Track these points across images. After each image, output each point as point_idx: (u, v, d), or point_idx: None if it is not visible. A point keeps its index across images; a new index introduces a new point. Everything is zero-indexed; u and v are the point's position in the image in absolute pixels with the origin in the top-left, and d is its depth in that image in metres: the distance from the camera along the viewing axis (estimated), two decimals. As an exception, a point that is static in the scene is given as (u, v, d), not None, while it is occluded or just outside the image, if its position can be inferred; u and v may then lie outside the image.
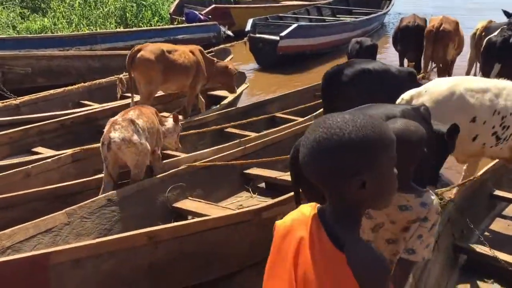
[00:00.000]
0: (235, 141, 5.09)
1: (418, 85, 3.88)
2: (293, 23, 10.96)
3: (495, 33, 6.52)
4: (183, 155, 4.66)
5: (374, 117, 1.16)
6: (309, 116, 5.96)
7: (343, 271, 1.10)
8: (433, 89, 3.53)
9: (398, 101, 3.59)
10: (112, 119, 3.91)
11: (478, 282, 3.28)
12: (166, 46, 5.90)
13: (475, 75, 7.40)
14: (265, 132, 5.49)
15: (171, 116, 4.55)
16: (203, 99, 6.49)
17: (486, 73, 6.28)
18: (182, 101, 6.29)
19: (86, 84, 6.89)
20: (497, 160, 4.43)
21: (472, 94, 3.48)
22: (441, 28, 7.56)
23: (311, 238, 1.17)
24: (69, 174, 4.42)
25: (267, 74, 10.20)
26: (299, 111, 6.28)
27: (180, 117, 5.27)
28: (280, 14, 12.70)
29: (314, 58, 10.78)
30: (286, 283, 1.18)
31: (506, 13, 7.16)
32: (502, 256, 3.25)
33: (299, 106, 6.36)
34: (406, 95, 3.59)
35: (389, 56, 10.61)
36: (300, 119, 5.88)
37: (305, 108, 6.32)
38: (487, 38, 6.61)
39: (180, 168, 4.27)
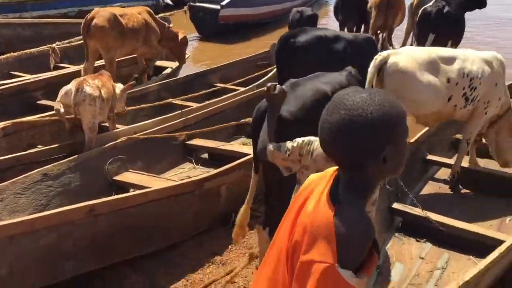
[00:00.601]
0: (177, 112, 5.01)
1: (376, 52, 4.00)
2: (234, -8, 10.80)
3: (430, 4, 6.73)
4: (122, 127, 4.54)
5: (386, 92, 1.19)
6: (252, 85, 5.95)
7: (327, 225, 1.12)
8: (409, 51, 3.70)
9: (375, 57, 3.70)
10: (79, 79, 4.11)
11: (412, 242, 3.45)
12: (117, 10, 5.83)
13: (411, 45, 7.62)
14: (207, 102, 5.43)
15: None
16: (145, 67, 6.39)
17: (421, 43, 6.49)
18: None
19: (16, 53, 6.51)
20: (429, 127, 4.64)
21: (444, 59, 3.72)
22: None
23: (321, 192, 1.22)
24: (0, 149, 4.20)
25: (209, 43, 10.05)
26: (241, 81, 6.25)
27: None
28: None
29: (256, 28, 10.72)
30: (289, 226, 1.24)
31: None
32: (434, 216, 3.44)
33: (243, 77, 6.33)
34: (384, 53, 3.73)
35: (329, 26, 10.69)
36: (242, 89, 5.85)
37: (248, 78, 6.30)
38: (422, 9, 6.81)
39: (119, 140, 4.16)
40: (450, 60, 3.74)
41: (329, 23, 11.12)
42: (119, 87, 4.56)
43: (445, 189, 4.20)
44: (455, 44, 6.46)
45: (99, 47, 5.58)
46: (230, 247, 3.51)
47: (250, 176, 3.95)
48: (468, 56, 3.81)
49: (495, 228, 3.55)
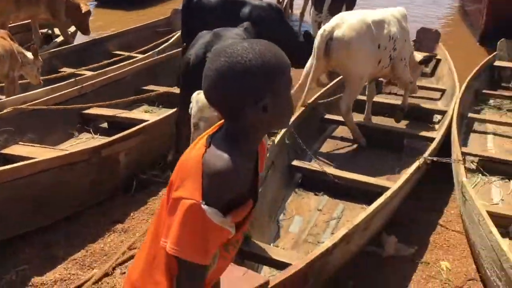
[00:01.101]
0: (71, 80, 4.74)
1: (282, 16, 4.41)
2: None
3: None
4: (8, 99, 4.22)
5: (270, 43, 1.18)
6: (151, 52, 5.77)
7: (196, 164, 1.14)
8: (349, 21, 3.90)
9: (320, 32, 3.92)
10: None
11: (311, 196, 3.61)
12: None
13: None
14: (103, 70, 5.19)
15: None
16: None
17: (317, 8, 6.64)
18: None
19: None
20: (328, 87, 4.83)
21: (376, 25, 3.95)
22: None
23: (202, 137, 1.24)
24: None
25: (105, 10, 9.58)
26: (143, 50, 6.04)
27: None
28: None
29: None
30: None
31: None
32: (330, 170, 3.61)
33: (143, 45, 6.12)
34: (328, 26, 3.92)
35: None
36: (141, 56, 5.67)
37: (150, 46, 6.09)
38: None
39: (5, 111, 3.86)
40: (380, 25, 3.99)
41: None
42: (29, 53, 4.38)
43: (342, 145, 4.41)
44: (349, 8, 6.71)
45: None
46: (132, 214, 3.44)
47: (150, 142, 3.91)
48: (390, 18, 4.09)
49: (385, 178, 3.81)
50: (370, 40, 3.91)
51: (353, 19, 3.92)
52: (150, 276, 1.23)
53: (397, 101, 4.95)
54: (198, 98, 2.47)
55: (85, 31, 6.41)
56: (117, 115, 4.44)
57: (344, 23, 3.91)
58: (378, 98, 5.14)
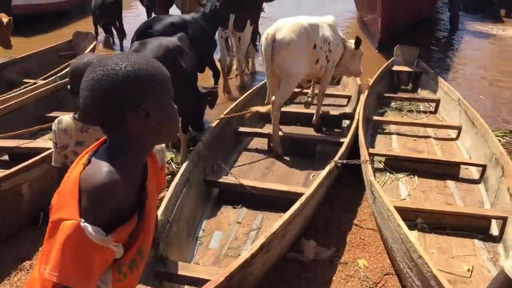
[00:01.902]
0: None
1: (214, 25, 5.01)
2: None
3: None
4: None
5: (148, 56, 1.20)
6: (53, 77, 5.51)
7: (74, 181, 1.09)
8: (288, 25, 4.26)
9: (263, 37, 4.29)
10: None
11: (229, 209, 3.58)
12: None
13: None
14: (1, 98, 4.86)
15: None
16: None
17: (223, 24, 6.70)
18: None
19: None
20: (238, 101, 4.87)
21: (311, 27, 4.33)
22: None
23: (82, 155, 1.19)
24: None
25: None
26: (41, 74, 5.75)
27: None
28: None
29: (55, 18, 9.97)
30: None
31: None
32: (247, 182, 3.62)
33: (44, 70, 5.83)
34: (270, 31, 4.26)
35: (140, 12, 10.51)
36: (42, 82, 5.39)
37: (49, 70, 5.82)
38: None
39: None
40: (315, 27, 4.38)
41: (136, 10, 10.90)
42: None
43: (258, 157, 4.45)
44: (254, 22, 6.86)
45: None
46: (40, 249, 3.21)
47: (56, 170, 3.69)
48: (323, 23, 4.49)
49: (301, 185, 3.89)
50: (307, 41, 4.29)
51: (291, 22, 4.29)
52: None
53: (308, 110, 5.12)
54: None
55: (9, 45, 6.02)
56: (18, 145, 4.16)
57: (283, 26, 4.26)
58: (288, 108, 5.28)
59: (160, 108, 1.16)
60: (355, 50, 4.81)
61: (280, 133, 4.53)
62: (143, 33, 4.58)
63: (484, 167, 3.94)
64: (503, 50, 9.83)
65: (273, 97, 4.35)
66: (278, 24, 4.30)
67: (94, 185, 1.06)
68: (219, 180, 3.71)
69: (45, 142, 4.49)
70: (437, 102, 5.59)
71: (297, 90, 5.19)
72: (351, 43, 4.82)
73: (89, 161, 1.13)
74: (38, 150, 3.97)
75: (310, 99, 5.20)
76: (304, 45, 4.27)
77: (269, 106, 4.41)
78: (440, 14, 13.11)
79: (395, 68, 6.37)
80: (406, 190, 3.79)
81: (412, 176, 3.99)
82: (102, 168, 1.08)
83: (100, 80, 1.11)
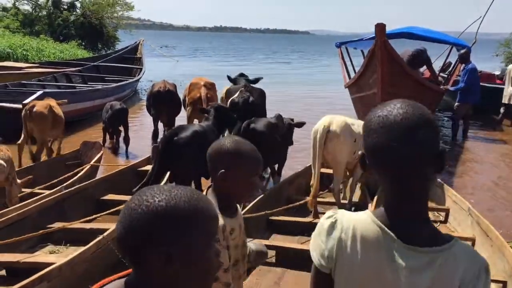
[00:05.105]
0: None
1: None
2: (39, 90, 10.25)
3: (236, 95, 7.23)
4: None
5: (197, 191, 1.10)
6: (59, 187, 5.47)
7: None
8: (338, 120, 5.17)
9: (318, 127, 5.13)
10: None
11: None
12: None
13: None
14: (5, 210, 4.78)
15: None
16: None
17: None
18: None
19: None
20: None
21: (352, 125, 5.22)
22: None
23: None
24: None
25: (9, 146, 9.13)
26: (48, 184, 5.72)
27: None
28: (23, 81, 11.81)
29: (67, 126, 10.20)
30: None
31: (229, 78, 8.39)
32: None
33: (50, 179, 5.82)
34: (325, 122, 5.14)
35: (144, 120, 10.83)
36: (47, 192, 5.34)
37: (55, 180, 5.81)
38: (230, 100, 7.27)
39: None
40: (354, 125, 5.21)
41: (141, 118, 11.24)
42: None
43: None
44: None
45: None
46: None
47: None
48: (360, 123, 5.21)
49: None
50: (350, 135, 5.16)
51: (339, 119, 5.19)
52: None
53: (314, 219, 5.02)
54: None
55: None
56: (17, 260, 3.99)
57: (334, 121, 5.16)
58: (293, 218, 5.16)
59: (188, 255, 1.04)
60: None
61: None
62: (170, 140, 5.18)
63: (504, 283, 3.74)
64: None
65: (333, 188, 5.32)
66: (330, 119, 5.18)
67: None
68: None
69: (45, 256, 4.32)
70: (447, 211, 5.48)
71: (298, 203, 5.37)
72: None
73: None
74: (38, 266, 3.79)
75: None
76: (348, 138, 5.14)
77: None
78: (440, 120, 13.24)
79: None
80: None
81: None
82: None
83: (131, 209, 1.05)
